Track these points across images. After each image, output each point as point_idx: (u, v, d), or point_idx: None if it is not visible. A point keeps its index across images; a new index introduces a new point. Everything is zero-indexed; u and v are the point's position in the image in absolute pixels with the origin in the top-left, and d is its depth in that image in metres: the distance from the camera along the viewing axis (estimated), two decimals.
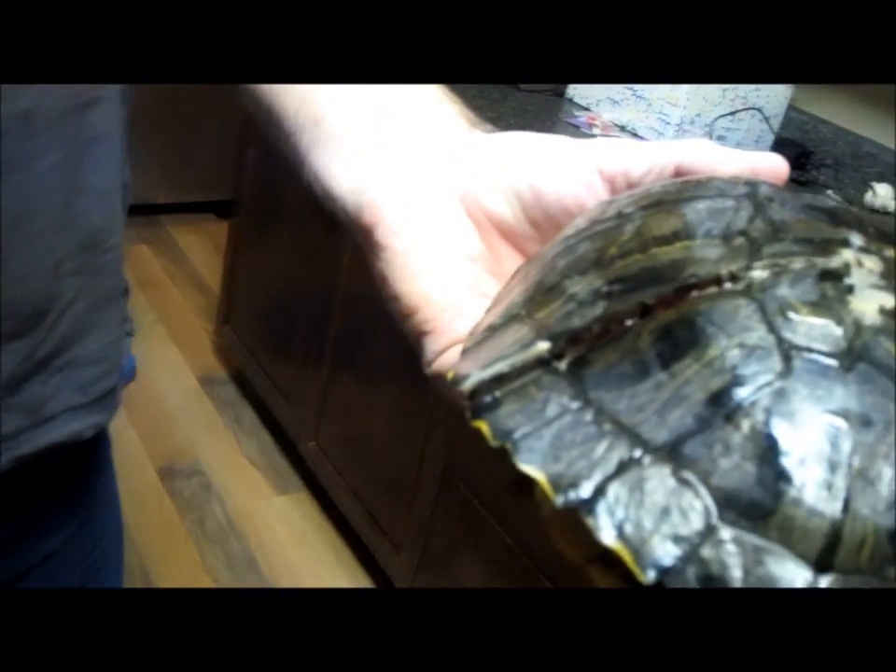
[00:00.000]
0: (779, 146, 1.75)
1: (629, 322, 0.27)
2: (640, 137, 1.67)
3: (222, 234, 2.52)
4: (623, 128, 1.70)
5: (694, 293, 0.27)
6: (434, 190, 0.38)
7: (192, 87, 2.95)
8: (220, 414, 2.38)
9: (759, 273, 0.27)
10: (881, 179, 1.66)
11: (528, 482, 0.28)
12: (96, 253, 0.52)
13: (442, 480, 1.63)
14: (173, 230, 3.19)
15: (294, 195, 2.04)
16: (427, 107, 0.41)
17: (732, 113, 1.68)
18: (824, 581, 0.23)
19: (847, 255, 0.28)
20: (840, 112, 1.77)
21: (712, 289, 0.27)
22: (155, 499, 2.06)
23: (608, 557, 0.27)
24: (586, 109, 1.77)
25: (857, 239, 0.29)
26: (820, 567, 0.23)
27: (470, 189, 0.38)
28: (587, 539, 0.27)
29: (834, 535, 0.23)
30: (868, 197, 1.62)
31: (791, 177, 1.66)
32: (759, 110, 1.72)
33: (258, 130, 2.13)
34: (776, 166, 0.36)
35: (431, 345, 0.37)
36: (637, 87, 1.68)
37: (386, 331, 1.78)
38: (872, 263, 0.28)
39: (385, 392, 1.81)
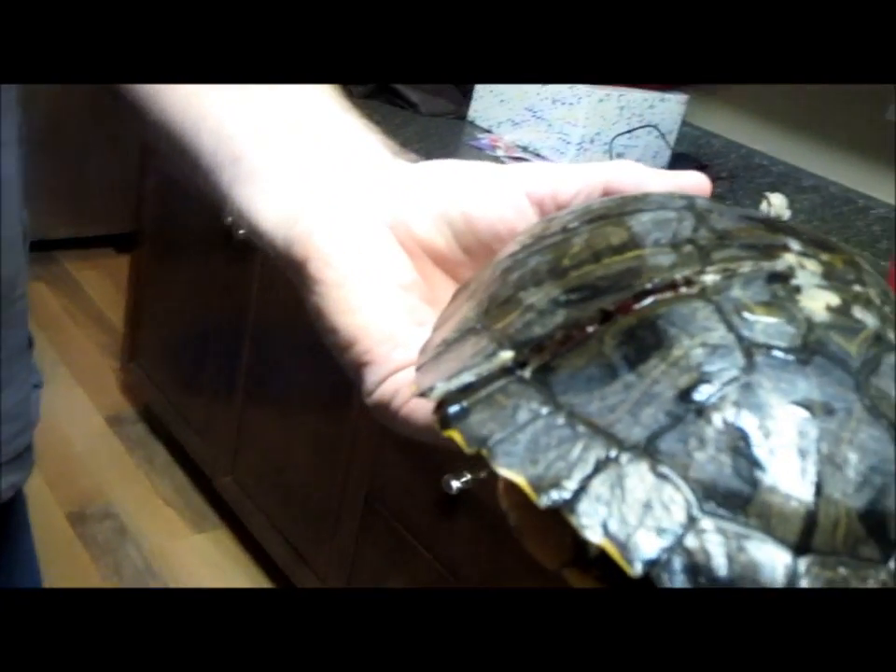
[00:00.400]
0: (676, 160, 1.80)
1: (591, 328, 0.28)
2: (542, 157, 1.70)
3: (122, 269, 2.47)
4: (525, 148, 1.73)
5: (652, 298, 0.28)
6: (364, 221, 0.38)
7: (82, 117, 2.88)
8: (131, 454, 2.32)
9: (711, 277, 0.28)
10: (774, 189, 1.72)
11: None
12: (5, 305, 0.50)
13: (365, 507, 1.62)
14: (70, 266, 3.11)
15: (198, 226, 2.01)
16: (350, 139, 0.42)
17: (629, 131, 1.72)
18: (803, 563, 0.24)
19: (790, 258, 0.30)
20: (731, 126, 1.83)
21: (669, 294, 0.28)
22: (67, 547, 1.99)
23: (584, 559, 0.28)
24: (488, 131, 1.80)
25: (795, 244, 0.30)
26: (799, 549, 0.24)
27: (401, 218, 0.38)
28: (562, 543, 0.28)
29: (810, 518, 0.24)
30: (763, 207, 1.67)
31: None
32: (655, 127, 1.77)
33: (158, 159, 2.11)
34: (700, 184, 0.37)
35: (371, 376, 0.37)
36: (536, 108, 1.71)
37: (300, 361, 1.76)
38: (812, 265, 0.30)
39: (302, 422, 1.79)
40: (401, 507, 1.54)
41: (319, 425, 1.74)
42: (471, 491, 1.36)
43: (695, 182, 0.37)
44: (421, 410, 0.36)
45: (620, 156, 1.73)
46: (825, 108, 1.68)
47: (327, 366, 1.77)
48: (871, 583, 0.24)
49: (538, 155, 1.71)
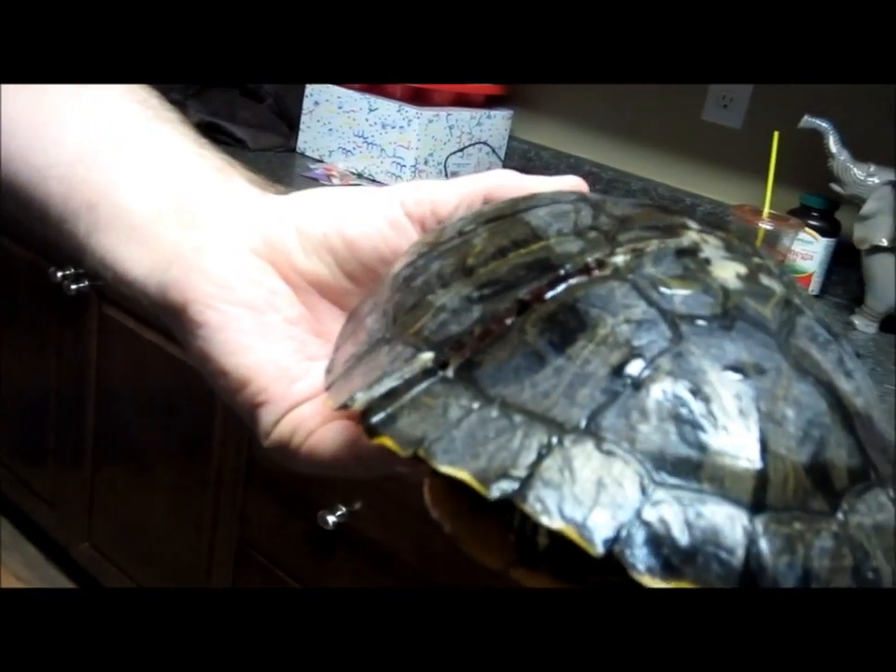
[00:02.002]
0: None
1: (509, 320, 0.28)
2: (378, 183, 1.70)
3: None
4: (360, 175, 1.73)
5: (566, 283, 0.28)
6: (242, 257, 0.37)
7: None
8: None
9: (622, 258, 0.29)
10: (606, 195, 1.77)
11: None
12: None
13: (238, 555, 1.57)
14: None
15: (25, 287, 1.91)
16: (216, 176, 0.40)
17: (461, 149, 1.75)
18: (760, 522, 0.24)
19: (692, 235, 0.30)
20: (557, 137, 1.89)
21: (583, 278, 0.28)
22: None
23: (530, 556, 0.28)
24: (320, 161, 1.78)
25: (692, 223, 0.31)
26: (755, 508, 0.24)
27: (281, 251, 0.37)
28: (504, 542, 0.28)
29: (762, 476, 0.25)
30: None
31: None
32: (485, 143, 1.80)
33: None
34: (579, 185, 0.38)
35: (267, 416, 0.36)
36: (367, 134, 1.71)
37: (150, 415, 1.70)
38: (714, 240, 0.31)
39: (159, 478, 1.72)
40: (276, 550, 1.50)
41: (177, 478, 1.67)
42: (348, 525, 1.34)
43: (575, 184, 0.38)
44: (325, 442, 0.34)
45: (454, 174, 1.75)
46: (645, 113, 1.75)
47: (179, 418, 1.73)
48: (824, 535, 0.25)
49: (373, 181, 1.71)
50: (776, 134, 1.41)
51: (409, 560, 1.27)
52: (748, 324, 0.27)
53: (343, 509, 1.33)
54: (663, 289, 0.28)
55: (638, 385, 0.25)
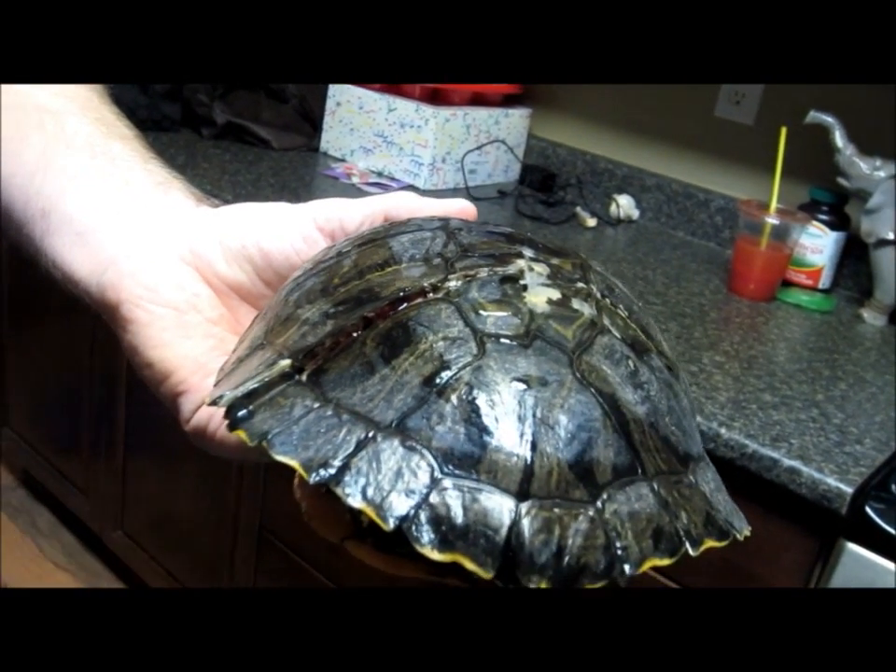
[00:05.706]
0: (526, 172, 1.87)
1: (355, 334, 0.33)
2: (397, 181, 1.74)
3: None
4: (379, 173, 1.77)
5: (405, 304, 0.33)
6: (171, 264, 0.42)
7: None
8: (14, 522, 2.25)
9: (454, 283, 0.34)
10: (621, 191, 1.80)
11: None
12: None
13: (260, 544, 1.62)
14: None
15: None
16: (156, 190, 0.45)
17: (478, 147, 1.78)
18: (524, 507, 0.29)
19: (521, 263, 0.36)
20: (574, 134, 1.91)
21: (419, 300, 0.33)
22: None
23: (360, 531, 0.33)
24: (342, 160, 1.83)
25: (528, 252, 0.37)
26: (521, 496, 0.29)
27: (206, 259, 0.42)
28: (342, 520, 0.34)
29: (528, 470, 0.29)
30: (613, 209, 1.75)
31: (541, 199, 1.77)
32: (502, 142, 1.83)
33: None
34: (465, 209, 0.43)
35: (187, 404, 0.41)
36: (387, 133, 1.75)
37: None
38: (540, 268, 0.36)
39: (186, 467, 1.78)
40: (297, 539, 1.55)
41: (203, 467, 1.73)
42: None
43: (461, 207, 0.43)
44: None
45: (472, 172, 1.79)
46: (659, 111, 1.77)
47: None
48: (581, 519, 0.29)
49: (393, 179, 1.75)
50: (783, 130, 1.43)
51: None
52: (544, 343, 0.32)
53: None
54: (480, 312, 0.32)
55: (441, 392, 0.30)
